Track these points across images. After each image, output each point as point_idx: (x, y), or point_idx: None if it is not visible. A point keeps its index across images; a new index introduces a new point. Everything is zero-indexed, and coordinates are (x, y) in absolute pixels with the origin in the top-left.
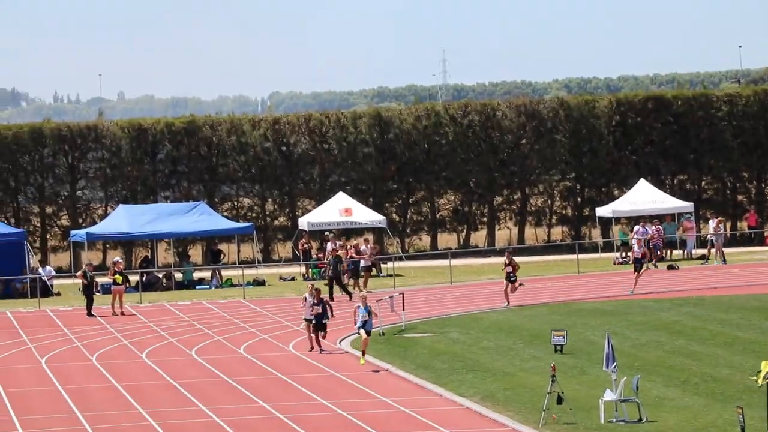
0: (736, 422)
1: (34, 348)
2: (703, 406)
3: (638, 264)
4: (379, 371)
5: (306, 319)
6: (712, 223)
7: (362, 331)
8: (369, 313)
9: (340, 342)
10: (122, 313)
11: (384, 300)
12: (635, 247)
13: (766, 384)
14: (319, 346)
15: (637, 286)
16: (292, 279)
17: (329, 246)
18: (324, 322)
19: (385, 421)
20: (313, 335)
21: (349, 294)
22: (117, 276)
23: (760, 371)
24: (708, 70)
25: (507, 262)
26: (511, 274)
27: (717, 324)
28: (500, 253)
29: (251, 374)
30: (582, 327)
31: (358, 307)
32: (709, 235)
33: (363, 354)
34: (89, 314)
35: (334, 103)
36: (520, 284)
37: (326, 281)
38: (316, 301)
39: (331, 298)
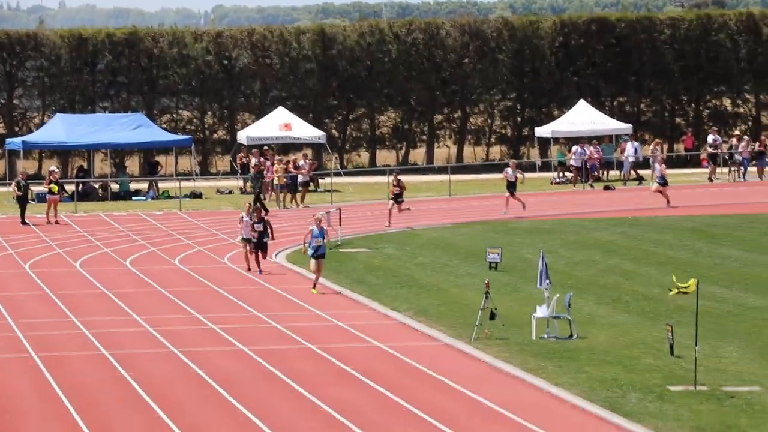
0: (665, 339)
1: None
2: (634, 324)
3: (512, 187)
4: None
5: (244, 239)
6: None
7: (312, 261)
8: (323, 237)
9: (276, 256)
10: (57, 222)
11: (321, 215)
12: (509, 171)
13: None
14: (259, 266)
15: (508, 207)
16: (230, 192)
17: (253, 161)
18: (265, 241)
19: (318, 335)
20: (251, 255)
21: (266, 210)
22: (52, 185)
23: (679, 288)
24: None
25: (395, 183)
26: (399, 196)
27: (650, 244)
28: (439, 171)
29: (186, 286)
30: (517, 245)
31: (312, 229)
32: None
33: (315, 285)
34: (23, 222)
35: (278, 18)
36: (407, 208)
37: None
38: (257, 220)
39: (265, 210)
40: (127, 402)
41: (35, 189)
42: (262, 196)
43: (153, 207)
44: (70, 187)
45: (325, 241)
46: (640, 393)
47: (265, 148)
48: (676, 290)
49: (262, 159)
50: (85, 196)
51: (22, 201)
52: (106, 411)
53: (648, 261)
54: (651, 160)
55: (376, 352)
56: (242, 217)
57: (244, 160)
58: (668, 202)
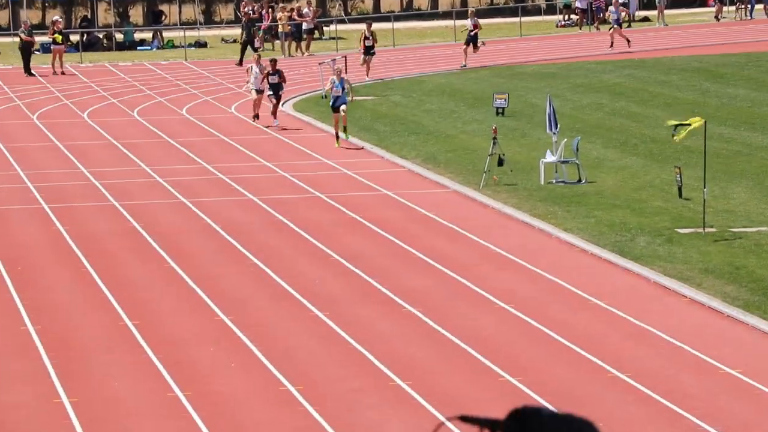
0: (673, 182)
1: None
2: (642, 167)
3: (472, 40)
4: (323, 134)
5: (256, 90)
6: None
7: (340, 109)
8: (343, 88)
9: (283, 105)
10: (62, 73)
11: (326, 63)
12: (469, 21)
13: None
14: (275, 117)
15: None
16: (234, 41)
17: (243, 8)
18: (280, 93)
19: (326, 182)
20: (266, 104)
21: (241, 62)
22: (56, 35)
23: (680, 127)
24: None
25: (366, 36)
26: (371, 48)
27: (657, 85)
28: (444, 16)
29: (193, 135)
30: (524, 90)
31: (332, 80)
32: None
33: (337, 136)
34: (29, 73)
35: None
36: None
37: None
38: (272, 71)
39: (240, 63)
40: (137, 252)
41: (39, 39)
42: (252, 46)
43: (158, 57)
44: (74, 37)
45: (345, 91)
46: (648, 236)
47: None
48: (683, 131)
49: (256, 7)
50: (89, 46)
51: (27, 50)
52: (117, 261)
53: (655, 103)
54: (657, 1)
55: (385, 199)
56: (251, 67)
57: (247, 8)
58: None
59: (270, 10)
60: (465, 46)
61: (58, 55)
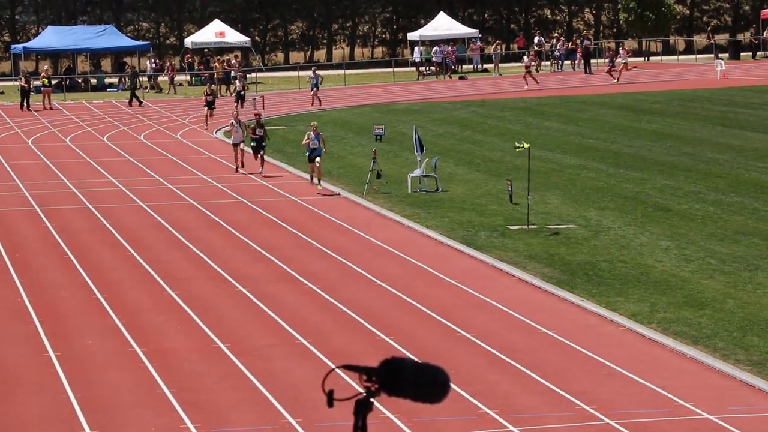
0: (506, 191)
1: None
2: (483, 180)
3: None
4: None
5: (234, 144)
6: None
7: (316, 160)
8: (319, 141)
9: (215, 132)
10: (50, 108)
11: (248, 101)
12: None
13: (521, 150)
14: (262, 166)
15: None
16: (180, 85)
17: (132, 62)
18: (264, 144)
19: (250, 192)
20: (248, 157)
21: (140, 102)
22: (45, 80)
23: (519, 146)
24: None
25: (208, 93)
26: (213, 104)
27: (494, 120)
28: (337, 66)
29: (149, 155)
30: (396, 122)
31: (309, 134)
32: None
33: (319, 180)
34: (27, 108)
35: None
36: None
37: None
38: (258, 125)
39: (130, 104)
40: (107, 243)
41: (33, 83)
42: (135, 94)
43: (123, 96)
44: (59, 82)
45: (320, 144)
46: (487, 231)
47: (206, 50)
48: (520, 147)
49: (156, 60)
50: (71, 88)
51: (25, 91)
52: (91, 250)
53: (492, 132)
54: (493, 57)
55: (292, 204)
56: (232, 122)
57: (190, 60)
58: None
59: (206, 60)
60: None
61: (46, 95)
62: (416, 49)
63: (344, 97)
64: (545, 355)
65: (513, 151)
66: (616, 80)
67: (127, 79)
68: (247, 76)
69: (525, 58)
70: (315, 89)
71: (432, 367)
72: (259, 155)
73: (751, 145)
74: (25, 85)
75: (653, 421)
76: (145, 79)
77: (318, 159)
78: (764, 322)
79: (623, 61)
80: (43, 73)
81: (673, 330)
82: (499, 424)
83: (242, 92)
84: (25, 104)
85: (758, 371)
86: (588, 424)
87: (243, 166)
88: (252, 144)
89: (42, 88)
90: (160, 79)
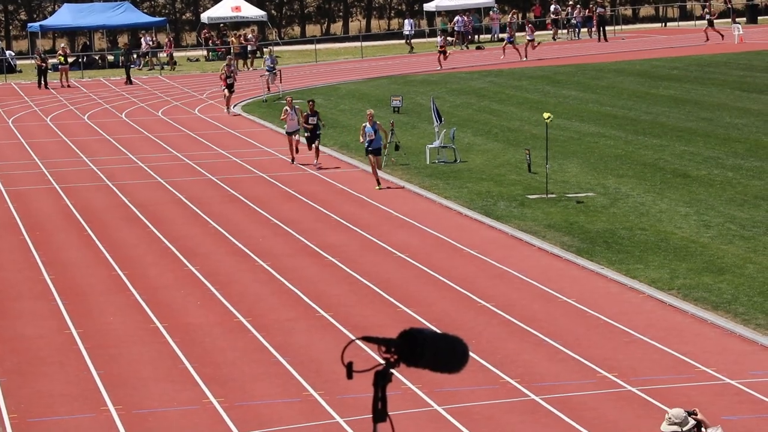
0: (524, 160)
1: (3, 112)
2: (501, 149)
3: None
4: (263, 129)
5: (288, 133)
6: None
7: (371, 156)
8: (376, 131)
9: (234, 107)
10: (68, 86)
11: (265, 75)
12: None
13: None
14: (317, 156)
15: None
16: (197, 60)
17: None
18: (318, 133)
19: (267, 166)
20: (305, 146)
21: (130, 81)
22: (62, 57)
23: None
24: None
25: (227, 74)
26: (233, 86)
27: (511, 89)
28: (353, 39)
29: (167, 131)
30: (413, 93)
31: (365, 126)
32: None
33: (378, 180)
34: (42, 86)
35: None
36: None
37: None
38: (310, 113)
39: (129, 81)
40: (126, 220)
41: (51, 61)
42: (127, 72)
43: (140, 73)
44: (76, 60)
45: (378, 136)
46: (506, 201)
47: (221, 25)
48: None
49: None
50: (88, 65)
51: (42, 70)
52: (111, 226)
53: (510, 102)
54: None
55: (311, 177)
56: (286, 109)
57: (206, 35)
58: (520, 55)
59: (223, 35)
60: None
61: (64, 73)
62: (407, 21)
63: (361, 70)
64: (565, 323)
65: (531, 120)
66: (524, 57)
67: (121, 57)
68: (264, 49)
69: (445, 38)
70: (269, 73)
71: (451, 337)
72: (313, 146)
73: None
74: (42, 63)
75: (674, 387)
76: (154, 56)
77: (379, 157)
78: None
79: (530, 39)
80: (60, 51)
81: (693, 296)
82: (521, 392)
83: (273, 67)
84: (42, 82)
85: None
86: (609, 391)
87: (297, 152)
88: (306, 134)
89: (59, 66)
90: (161, 55)
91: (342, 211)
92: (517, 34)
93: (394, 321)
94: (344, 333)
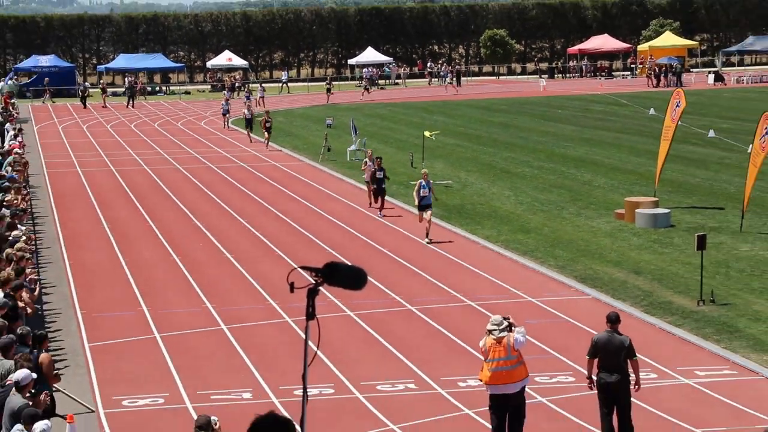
0: (409, 159)
1: (81, 121)
2: (394, 152)
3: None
4: (241, 135)
5: (368, 182)
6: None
7: (425, 213)
8: (429, 189)
9: (229, 122)
10: (104, 107)
11: (246, 102)
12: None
13: (432, 137)
14: (382, 208)
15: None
16: (203, 91)
17: (126, 80)
18: (383, 187)
19: (252, 160)
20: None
21: (128, 104)
22: (100, 89)
23: (430, 134)
24: None
25: (267, 119)
26: (270, 128)
27: (401, 115)
28: (303, 80)
29: (183, 136)
30: (340, 116)
31: (420, 182)
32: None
33: (427, 233)
34: (83, 107)
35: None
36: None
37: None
38: (378, 168)
39: (127, 105)
40: (124, 199)
41: (109, 90)
42: (132, 98)
43: (167, 98)
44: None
45: (431, 193)
46: (397, 185)
47: (219, 70)
48: (430, 135)
49: (131, 79)
50: (133, 94)
51: (84, 96)
52: (112, 203)
53: (401, 122)
54: (402, 75)
55: (273, 168)
56: (365, 161)
57: (211, 76)
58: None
59: (219, 77)
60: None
61: (104, 98)
62: (365, 70)
63: (307, 100)
64: (430, 259)
65: (413, 134)
66: (455, 92)
67: (125, 90)
68: (250, 86)
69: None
70: (248, 100)
71: (356, 267)
72: (379, 197)
73: (561, 132)
74: (83, 92)
75: (497, 302)
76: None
77: (429, 212)
78: (566, 242)
79: (448, 81)
80: (101, 85)
81: (511, 246)
82: (400, 306)
83: (249, 96)
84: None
85: (562, 271)
86: (456, 305)
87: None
88: (373, 187)
89: (106, 93)
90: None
91: (292, 189)
92: (407, 80)
93: (321, 256)
94: (288, 262)
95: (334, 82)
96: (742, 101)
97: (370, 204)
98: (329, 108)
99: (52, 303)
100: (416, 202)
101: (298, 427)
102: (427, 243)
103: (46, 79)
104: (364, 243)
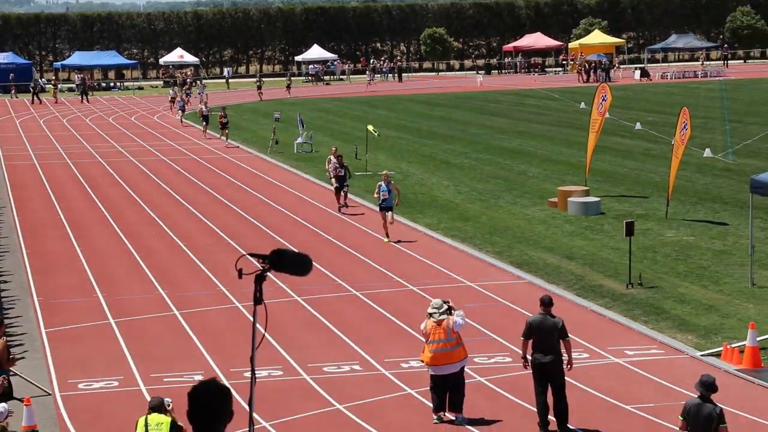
0: (354, 151)
1: (38, 115)
2: (340, 144)
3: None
4: (198, 128)
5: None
6: None
7: (387, 214)
8: (390, 191)
9: (178, 115)
10: (56, 102)
11: (198, 96)
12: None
13: (374, 134)
14: (345, 203)
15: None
16: (156, 87)
17: (76, 77)
18: (346, 184)
19: (201, 151)
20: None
21: (82, 100)
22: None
23: (373, 132)
24: None
25: (223, 115)
26: (227, 125)
27: (346, 109)
28: (252, 76)
29: (136, 130)
30: (287, 109)
31: (380, 184)
32: None
33: (387, 234)
34: (36, 102)
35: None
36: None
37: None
38: (339, 165)
39: (81, 101)
40: (116, 187)
41: (60, 85)
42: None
43: (122, 94)
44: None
45: (391, 195)
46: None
47: (171, 66)
48: (373, 130)
49: (82, 76)
50: (84, 90)
51: (37, 91)
52: (103, 189)
53: (345, 116)
54: (346, 71)
55: (224, 160)
56: (330, 158)
57: (163, 72)
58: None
59: (171, 73)
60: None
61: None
62: (311, 66)
63: (256, 95)
64: (374, 246)
65: (358, 127)
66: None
67: (76, 86)
68: (202, 81)
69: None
70: (200, 95)
71: (302, 254)
72: (342, 193)
73: (497, 125)
74: (34, 86)
75: (438, 287)
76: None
77: (390, 213)
78: (503, 229)
79: (369, 79)
80: (53, 81)
81: (450, 234)
82: (341, 292)
83: (203, 90)
84: (36, 99)
85: (499, 257)
86: (399, 290)
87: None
88: (335, 185)
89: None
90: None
91: (239, 179)
92: (351, 76)
93: (268, 243)
94: (238, 251)
95: (278, 78)
96: (666, 96)
97: (339, 208)
98: (277, 103)
99: (10, 290)
100: (378, 202)
101: (237, 396)
102: (389, 242)
103: (11, 75)
104: (310, 230)
